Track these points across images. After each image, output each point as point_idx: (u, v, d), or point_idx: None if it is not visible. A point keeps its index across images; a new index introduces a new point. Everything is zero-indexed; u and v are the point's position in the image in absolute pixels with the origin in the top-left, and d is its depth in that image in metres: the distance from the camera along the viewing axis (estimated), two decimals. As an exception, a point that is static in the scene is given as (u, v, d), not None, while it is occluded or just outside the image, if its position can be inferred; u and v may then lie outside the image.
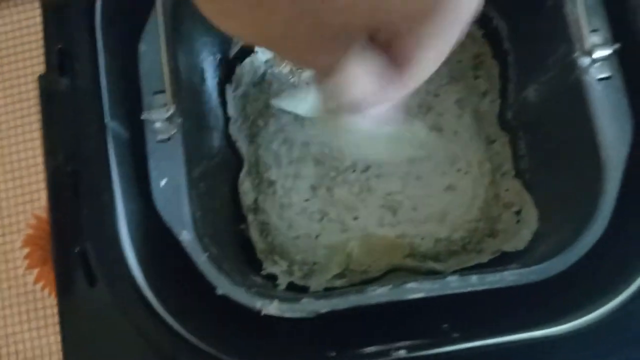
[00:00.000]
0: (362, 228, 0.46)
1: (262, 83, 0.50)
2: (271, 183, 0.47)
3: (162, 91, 0.33)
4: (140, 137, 0.33)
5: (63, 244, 0.30)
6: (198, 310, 0.31)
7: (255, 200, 0.47)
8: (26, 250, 0.77)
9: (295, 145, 0.47)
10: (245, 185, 0.47)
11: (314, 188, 0.47)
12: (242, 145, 0.47)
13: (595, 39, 0.34)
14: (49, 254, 0.74)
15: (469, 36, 0.49)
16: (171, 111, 0.33)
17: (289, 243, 0.46)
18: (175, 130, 0.33)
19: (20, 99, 0.75)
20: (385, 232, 0.46)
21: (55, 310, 0.81)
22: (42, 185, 0.77)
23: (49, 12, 0.32)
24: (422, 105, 0.48)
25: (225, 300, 0.31)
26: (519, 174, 0.45)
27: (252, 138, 0.48)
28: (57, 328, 0.74)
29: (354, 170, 0.47)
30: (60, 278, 0.29)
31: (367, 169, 0.47)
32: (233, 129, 0.47)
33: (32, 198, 0.76)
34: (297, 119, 0.48)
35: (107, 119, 0.32)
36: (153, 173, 0.33)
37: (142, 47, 0.34)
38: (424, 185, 0.46)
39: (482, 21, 0.48)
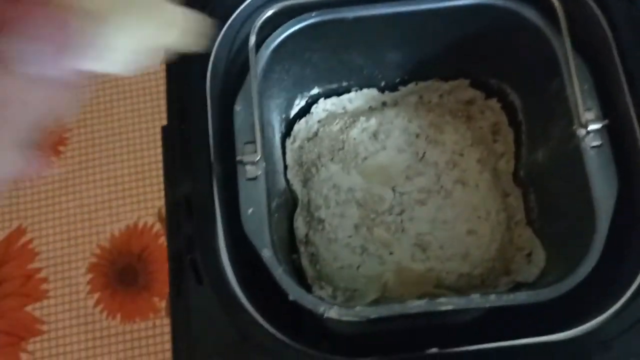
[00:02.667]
0: (397, 262, 0.54)
1: (315, 138, 0.60)
2: (320, 221, 0.56)
3: (252, 142, 0.43)
4: (234, 175, 0.43)
5: (177, 253, 0.39)
6: (276, 309, 0.39)
7: (307, 235, 0.56)
8: (89, 276, 0.86)
9: (342, 190, 0.57)
10: (299, 221, 0.56)
11: (356, 226, 0.55)
12: (297, 189, 0.57)
13: (589, 115, 0.44)
14: (110, 280, 0.82)
15: (489, 108, 0.59)
16: (258, 157, 0.43)
17: (334, 272, 0.55)
18: (260, 172, 0.43)
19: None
20: (417, 266, 0.54)
21: (111, 331, 0.90)
22: (109, 219, 0.86)
23: (172, 81, 0.42)
24: (449, 162, 0.57)
25: (295, 303, 0.40)
26: (529, 223, 0.54)
27: (306, 183, 0.58)
28: (111, 348, 0.81)
29: (390, 214, 0.56)
30: (174, 279, 0.38)
31: (401, 212, 0.56)
32: (290, 175, 0.57)
33: (99, 230, 0.85)
34: (344, 169, 0.58)
35: (212, 159, 0.42)
36: (242, 203, 0.42)
37: (237, 108, 0.44)
38: (450, 229, 0.55)
39: (500, 95, 0.58)
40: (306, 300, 0.40)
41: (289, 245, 0.55)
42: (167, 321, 0.83)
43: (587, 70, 0.45)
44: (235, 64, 0.45)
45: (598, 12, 0.45)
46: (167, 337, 0.78)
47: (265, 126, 0.49)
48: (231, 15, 0.44)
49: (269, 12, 0.44)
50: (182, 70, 0.43)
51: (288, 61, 0.50)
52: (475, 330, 0.40)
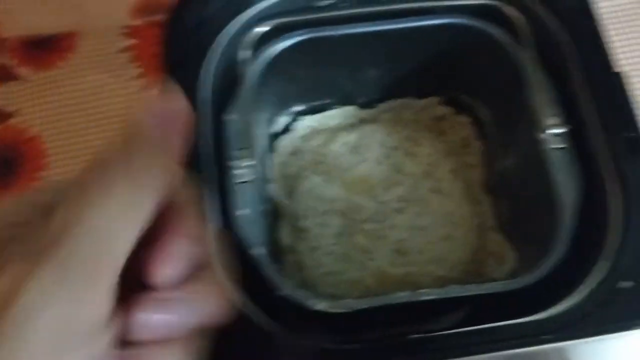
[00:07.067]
0: (377, 267, 0.57)
1: (298, 153, 0.63)
2: (304, 230, 0.58)
3: (245, 148, 0.46)
4: (226, 179, 0.45)
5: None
6: (266, 301, 0.41)
7: (291, 244, 0.58)
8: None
9: (325, 200, 0.59)
10: (283, 231, 0.59)
11: (339, 235, 0.58)
12: (281, 199, 0.59)
13: (552, 121, 0.48)
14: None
15: (459, 123, 0.63)
16: (252, 162, 0.46)
17: (318, 278, 0.57)
18: (254, 176, 0.46)
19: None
20: (396, 270, 0.57)
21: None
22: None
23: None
24: (424, 173, 0.61)
25: (285, 298, 0.42)
26: (501, 228, 0.57)
27: (289, 195, 0.60)
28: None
29: (371, 222, 0.59)
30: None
31: (381, 220, 0.59)
32: (274, 188, 0.60)
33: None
34: (326, 181, 0.61)
35: (202, 165, 0.44)
36: (234, 206, 0.44)
37: (230, 117, 0.47)
38: (427, 235, 0.58)
39: (470, 111, 0.62)
40: (296, 294, 0.42)
41: (271, 256, 0.57)
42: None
43: (551, 82, 0.49)
44: (225, 77, 0.48)
45: (560, 27, 0.50)
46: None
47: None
48: (222, 29, 0.47)
49: (261, 29, 0.48)
50: (174, 81, 0.46)
51: (277, 77, 0.53)
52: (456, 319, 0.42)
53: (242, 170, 0.45)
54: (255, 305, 0.41)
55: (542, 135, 0.48)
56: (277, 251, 0.58)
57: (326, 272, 0.57)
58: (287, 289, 0.42)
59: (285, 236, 0.58)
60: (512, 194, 0.56)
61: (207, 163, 0.45)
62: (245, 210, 0.44)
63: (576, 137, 0.48)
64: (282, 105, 0.59)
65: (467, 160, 0.62)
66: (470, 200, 0.60)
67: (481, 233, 0.59)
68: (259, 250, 0.43)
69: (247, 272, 0.43)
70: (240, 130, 0.46)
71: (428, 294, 0.42)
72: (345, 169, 0.61)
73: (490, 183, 0.59)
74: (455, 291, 0.42)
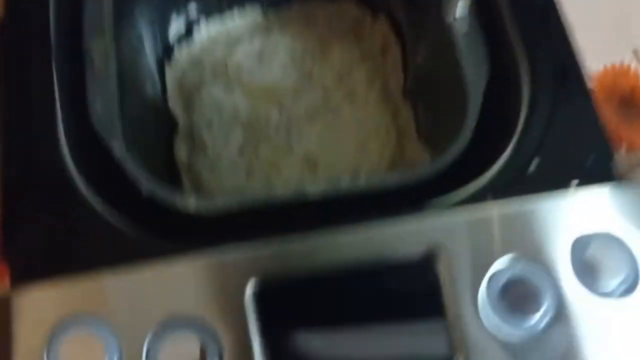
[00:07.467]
0: (285, 181, 0.52)
1: (197, 62, 0.56)
2: (204, 144, 0.52)
3: (101, 37, 0.40)
4: (82, 69, 0.39)
5: (11, 147, 0.35)
6: (122, 201, 0.36)
7: (189, 159, 0.53)
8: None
9: (225, 111, 0.53)
10: (180, 145, 0.53)
11: (241, 148, 0.52)
12: (178, 112, 0.53)
13: (461, 4, 0.42)
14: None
15: (377, 28, 0.57)
16: (110, 52, 0.39)
17: (219, 196, 0.51)
18: (111, 68, 0.39)
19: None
20: (306, 184, 0.52)
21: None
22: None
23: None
24: (337, 80, 0.55)
25: (150, 197, 0.37)
26: (419, 134, 0.52)
27: (187, 106, 0.54)
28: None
29: (277, 132, 0.53)
30: (7, 170, 0.35)
31: (289, 131, 0.53)
32: (170, 98, 0.54)
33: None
34: (227, 91, 0.55)
35: (53, 51, 0.38)
36: (91, 98, 0.38)
37: (87, 3, 0.41)
38: (339, 145, 0.53)
39: (389, 15, 0.56)
40: (160, 190, 0.36)
41: (168, 172, 0.51)
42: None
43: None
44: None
45: None
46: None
47: (130, 31, 0.46)
48: None
49: None
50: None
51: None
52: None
53: (100, 61, 0.39)
54: (115, 206, 0.36)
55: (449, 20, 0.42)
56: (174, 170, 0.52)
57: (228, 190, 0.52)
58: (150, 184, 0.36)
59: (182, 153, 0.53)
60: (427, 95, 0.51)
61: (62, 47, 0.39)
62: (102, 104, 0.38)
63: (485, 20, 0.42)
64: (171, 2, 0.52)
65: (385, 66, 0.56)
66: (388, 108, 0.55)
67: (400, 143, 0.54)
68: (116, 144, 0.37)
69: (106, 170, 0.37)
70: (98, 16, 0.40)
71: (315, 191, 0.37)
72: (249, 77, 0.55)
73: (407, 87, 0.54)
74: (345, 186, 0.37)
